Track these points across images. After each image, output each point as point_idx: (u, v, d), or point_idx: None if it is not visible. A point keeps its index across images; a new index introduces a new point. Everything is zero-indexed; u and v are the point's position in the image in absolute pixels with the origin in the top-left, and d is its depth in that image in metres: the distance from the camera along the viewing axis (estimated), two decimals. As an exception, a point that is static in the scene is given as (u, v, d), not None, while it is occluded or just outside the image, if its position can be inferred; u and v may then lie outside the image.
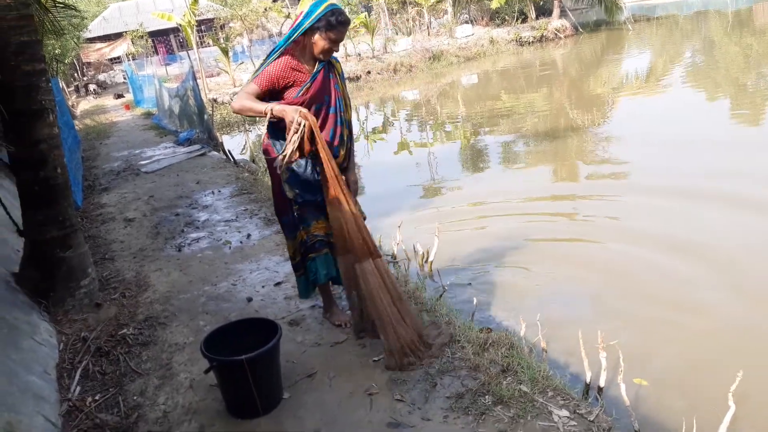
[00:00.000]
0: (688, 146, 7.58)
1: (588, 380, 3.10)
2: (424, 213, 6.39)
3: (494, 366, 2.78)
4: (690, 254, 4.66)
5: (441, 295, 3.89)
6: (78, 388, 3.08)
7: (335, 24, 2.77)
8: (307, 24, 2.76)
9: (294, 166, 2.93)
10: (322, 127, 2.90)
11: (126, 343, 3.49)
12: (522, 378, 2.66)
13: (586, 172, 7.55)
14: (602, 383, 3.06)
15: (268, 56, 2.90)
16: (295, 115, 2.59)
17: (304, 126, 2.58)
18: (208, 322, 3.62)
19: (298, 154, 2.64)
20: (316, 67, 2.90)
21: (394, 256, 5.13)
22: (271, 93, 2.82)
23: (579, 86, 14.93)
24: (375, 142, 12.21)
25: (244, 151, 13.54)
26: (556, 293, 4.25)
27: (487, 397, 2.57)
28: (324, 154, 2.74)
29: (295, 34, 2.80)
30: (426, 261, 4.95)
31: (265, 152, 3.08)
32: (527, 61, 22.09)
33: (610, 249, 5.00)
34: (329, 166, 2.78)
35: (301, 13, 2.83)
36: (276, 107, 2.65)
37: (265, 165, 3.09)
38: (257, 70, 2.89)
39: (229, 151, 9.32)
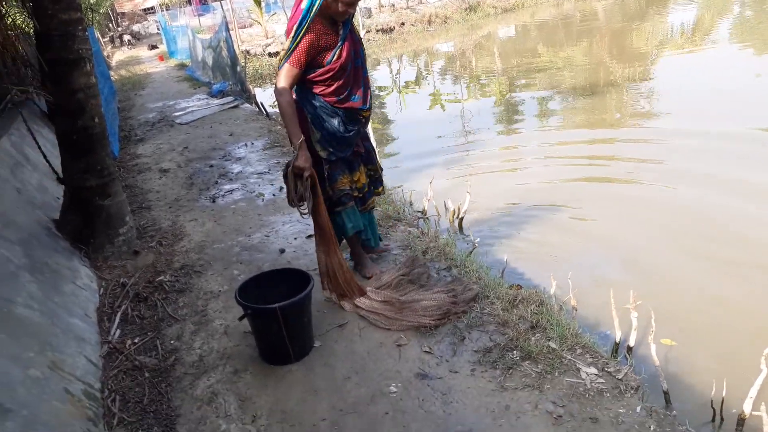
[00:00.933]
0: (733, 97, 7.30)
1: (617, 339, 3.09)
2: (457, 168, 6.33)
3: (523, 322, 2.79)
4: (738, 203, 4.54)
5: (471, 252, 3.88)
6: (118, 332, 3.20)
7: None
8: None
9: (327, 125, 2.94)
10: (355, 83, 3.00)
11: (163, 289, 3.60)
12: (551, 335, 2.67)
13: (623, 126, 7.32)
14: (632, 343, 3.04)
15: (299, 27, 2.75)
16: (306, 173, 2.84)
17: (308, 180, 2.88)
18: (242, 272, 3.70)
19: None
20: (341, 29, 2.87)
21: (424, 212, 5.12)
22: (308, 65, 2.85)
23: (621, 40, 14.36)
24: (407, 95, 12.03)
25: (275, 104, 13.55)
26: (590, 250, 4.20)
27: (515, 352, 2.58)
28: (322, 207, 2.97)
29: (317, 2, 2.71)
30: (457, 217, 4.93)
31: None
32: (567, 12, 21.28)
33: (651, 198, 4.89)
34: (324, 218, 2.97)
35: None
36: (299, 161, 2.81)
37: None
38: (290, 47, 2.78)
39: (261, 103, 9.32)
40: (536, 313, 2.83)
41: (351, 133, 3.02)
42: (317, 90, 2.91)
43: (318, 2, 2.70)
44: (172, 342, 3.07)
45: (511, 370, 2.48)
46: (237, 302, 2.63)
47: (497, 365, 2.52)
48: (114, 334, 3.18)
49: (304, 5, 2.73)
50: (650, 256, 4.08)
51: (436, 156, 6.86)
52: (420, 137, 8.00)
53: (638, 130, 7.00)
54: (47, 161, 4.10)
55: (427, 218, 5.06)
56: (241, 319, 2.67)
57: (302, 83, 2.90)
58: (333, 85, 2.89)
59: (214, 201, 5.12)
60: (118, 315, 3.35)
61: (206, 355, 2.91)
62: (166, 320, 3.29)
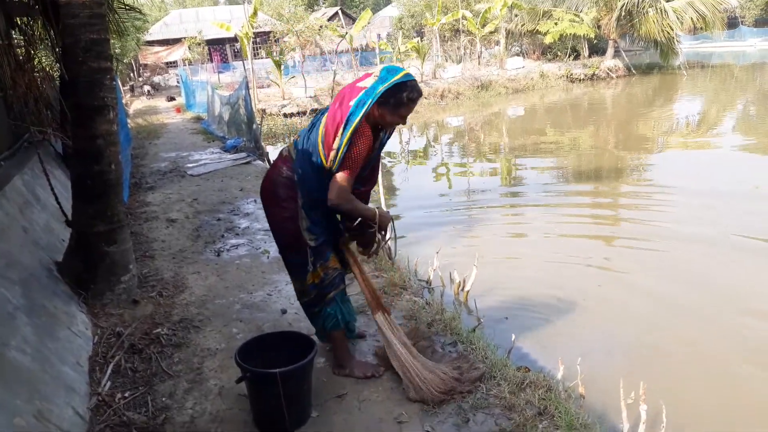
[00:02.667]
0: (732, 197, 7.36)
1: (625, 431, 2.97)
2: (463, 241, 6.31)
3: (530, 407, 2.68)
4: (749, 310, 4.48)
5: (475, 328, 3.80)
6: (108, 383, 3.09)
7: (406, 102, 2.60)
8: (381, 90, 2.57)
9: (320, 211, 2.81)
10: (373, 172, 2.98)
11: (159, 342, 3.51)
12: (559, 423, 2.56)
13: (627, 215, 7.37)
14: (640, 436, 2.93)
15: (345, 126, 2.59)
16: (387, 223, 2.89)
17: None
18: (241, 330, 3.61)
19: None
20: (382, 135, 2.83)
21: (428, 282, 5.07)
22: None
23: (627, 128, 14.68)
24: (415, 165, 12.19)
25: (286, 163, 13.70)
26: (598, 334, 4.11)
27: (521, 439, 2.47)
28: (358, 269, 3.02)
29: (369, 103, 2.57)
30: (462, 289, 4.87)
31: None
32: (576, 97, 21.90)
33: (657, 292, 4.82)
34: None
35: (371, 75, 2.66)
36: (381, 214, 2.83)
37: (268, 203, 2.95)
38: (341, 149, 2.60)
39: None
40: (544, 399, 2.73)
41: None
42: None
43: (369, 104, 2.57)
44: (163, 399, 2.95)
45: (516, 460, 2.37)
46: (236, 364, 2.55)
47: (502, 453, 2.41)
48: (104, 385, 3.06)
49: (352, 102, 2.59)
50: (660, 345, 3.99)
51: (442, 226, 6.86)
52: (426, 207, 8.02)
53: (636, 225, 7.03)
54: (58, 203, 4.10)
55: (432, 288, 5.00)
56: (238, 381, 2.58)
57: (316, 170, 2.73)
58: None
59: (218, 255, 5.08)
60: (111, 366, 3.24)
61: (198, 416, 2.79)
62: (160, 375, 3.18)
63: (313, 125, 2.80)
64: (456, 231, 6.70)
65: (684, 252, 5.69)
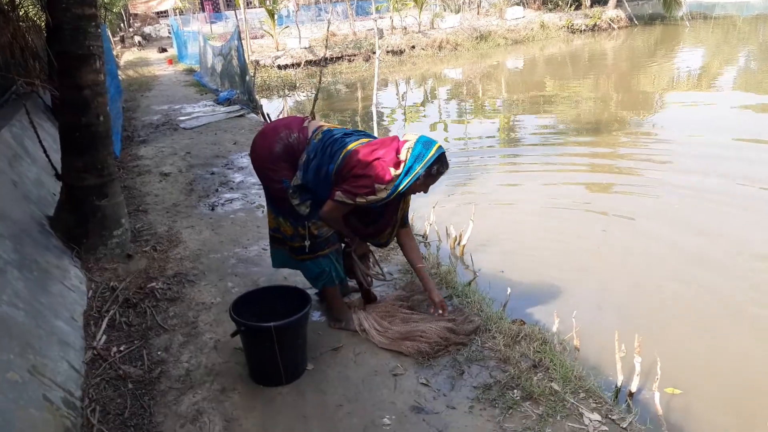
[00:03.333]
0: (735, 148, 7.30)
1: (619, 384, 2.99)
2: (460, 194, 6.26)
3: (525, 360, 2.69)
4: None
5: (471, 281, 3.80)
6: (104, 337, 3.08)
7: (435, 174, 2.69)
8: (419, 170, 2.61)
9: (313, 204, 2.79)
10: (381, 218, 2.93)
11: (154, 296, 3.49)
12: (553, 375, 2.57)
13: (625, 165, 7.29)
14: (633, 388, 2.96)
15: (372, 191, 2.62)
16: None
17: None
18: (237, 285, 3.59)
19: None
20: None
21: (425, 236, 5.04)
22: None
23: (627, 80, 14.45)
24: (412, 119, 12.03)
25: (281, 115, 13.51)
26: (596, 285, 4.11)
27: (515, 391, 2.48)
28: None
29: (407, 182, 2.62)
30: (458, 243, 4.85)
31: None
32: (577, 49, 21.48)
33: (657, 245, 4.81)
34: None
35: (407, 148, 2.63)
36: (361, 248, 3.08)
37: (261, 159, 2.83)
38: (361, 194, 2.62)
39: (267, 114, 9.28)
40: (539, 352, 2.74)
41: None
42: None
43: (409, 181, 2.62)
44: (159, 353, 2.95)
45: (510, 410, 2.38)
46: (231, 318, 2.53)
47: (497, 404, 2.42)
48: (99, 339, 3.06)
49: (407, 158, 2.61)
50: (658, 297, 3.99)
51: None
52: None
53: (637, 175, 6.97)
54: (47, 156, 4.01)
55: (428, 243, 4.98)
56: (233, 335, 2.57)
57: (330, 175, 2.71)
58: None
59: (213, 209, 5.03)
60: (105, 320, 3.23)
61: (194, 369, 2.79)
62: (155, 329, 3.17)
63: (349, 135, 2.78)
64: (453, 184, 6.64)
65: (688, 200, 5.67)
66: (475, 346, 2.81)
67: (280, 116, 13.24)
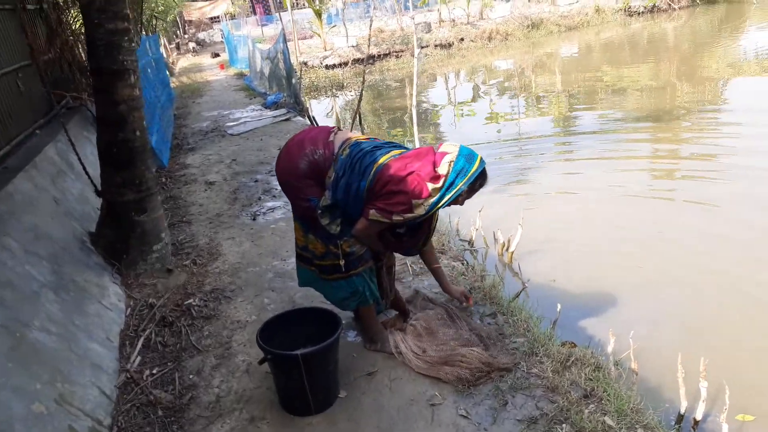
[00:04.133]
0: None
1: (682, 411, 2.72)
2: (510, 196, 5.98)
3: (575, 389, 2.45)
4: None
5: (519, 294, 3.56)
6: (138, 359, 3.04)
7: (477, 188, 2.55)
8: (461, 185, 2.44)
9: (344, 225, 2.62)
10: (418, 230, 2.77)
11: (190, 314, 3.44)
12: (607, 408, 2.32)
13: (689, 156, 6.80)
14: (699, 416, 2.67)
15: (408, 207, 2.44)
16: None
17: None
18: (273, 301, 3.49)
19: None
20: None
21: (471, 243, 4.82)
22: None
23: (691, 63, 13.62)
24: (462, 114, 11.73)
25: (329, 115, 13.48)
26: (655, 302, 3.77)
27: (564, 426, 2.25)
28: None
29: (448, 197, 2.44)
30: (506, 250, 4.60)
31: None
32: (635, 32, 20.51)
33: (724, 243, 4.41)
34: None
35: (448, 162, 2.43)
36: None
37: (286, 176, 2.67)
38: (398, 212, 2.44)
39: (313, 117, 9.22)
40: (591, 379, 2.49)
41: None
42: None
43: (451, 196, 2.45)
44: (191, 377, 2.87)
45: (559, 449, 2.16)
46: (258, 345, 2.40)
47: (543, 441, 2.20)
48: (134, 362, 3.02)
49: (448, 173, 2.42)
50: (725, 312, 3.64)
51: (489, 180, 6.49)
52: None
53: (704, 162, 6.46)
54: (86, 172, 4.04)
55: (474, 250, 4.75)
56: (261, 363, 2.45)
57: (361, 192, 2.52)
58: None
59: (254, 219, 4.97)
60: (141, 340, 3.19)
61: (224, 396, 2.69)
62: (189, 350, 3.11)
63: (379, 147, 2.61)
64: (504, 184, 6.35)
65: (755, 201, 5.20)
66: (521, 372, 2.59)
67: (329, 116, 13.22)
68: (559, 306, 3.15)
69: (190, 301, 3.60)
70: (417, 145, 5.65)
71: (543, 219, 5.11)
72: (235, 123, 9.43)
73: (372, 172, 2.46)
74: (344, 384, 2.65)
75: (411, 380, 2.63)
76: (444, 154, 2.46)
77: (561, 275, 4.17)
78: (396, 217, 2.43)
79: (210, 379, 2.83)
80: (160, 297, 3.67)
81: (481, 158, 2.49)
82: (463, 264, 3.87)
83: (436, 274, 3.03)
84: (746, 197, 5.24)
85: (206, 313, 3.45)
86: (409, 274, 3.63)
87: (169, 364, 3.02)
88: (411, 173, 2.41)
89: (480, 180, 2.49)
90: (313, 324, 2.63)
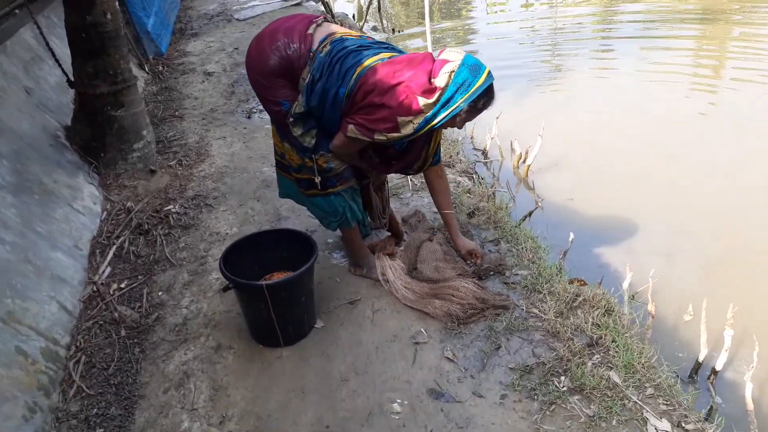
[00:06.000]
0: None
1: (701, 358, 2.43)
2: (534, 102, 5.42)
3: (580, 336, 2.15)
4: None
5: (529, 215, 3.21)
6: (107, 270, 2.80)
7: (480, 109, 2.09)
8: (461, 102, 2.00)
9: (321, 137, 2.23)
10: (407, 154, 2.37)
11: (168, 223, 3.16)
12: (614, 361, 2.03)
13: (733, 68, 6.09)
14: (719, 366, 2.38)
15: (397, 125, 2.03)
16: None
17: None
18: (257, 212, 3.19)
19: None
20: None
21: (485, 152, 4.41)
22: None
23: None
24: (495, 8, 10.75)
25: (350, 0, 12.53)
26: (678, 234, 3.38)
27: (562, 378, 1.98)
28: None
29: (444, 115, 2.01)
30: (523, 162, 4.19)
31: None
32: None
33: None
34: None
35: (448, 72, 1.97)
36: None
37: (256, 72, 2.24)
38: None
39: (327, 2, 8.47)
40: (599, 325, 2.18)
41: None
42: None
43: (455, 112, 2.03)
44: (160, 294, 2.64)
45: (553, 406, 1.89)
46: (221, 272, 2.12)
47: (536, 395, 1.93)
48: (102, 273, 2.78)
49: (447, 85, 1.98)
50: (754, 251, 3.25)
51: (512, 82, 5.92)
52: (494, 54, 6.94)
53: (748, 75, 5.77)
54: (56, 60, 3.62)
55: (488, 160, 4.35)
56: (224, 290, 2.17)
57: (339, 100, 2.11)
58: None
59: (249, 116, 4.57)
60: (112, 249, 2.94)
61: (192, 317, 2.46)
62: (162, 263, 2.86)
63: (367, 47, 2.14)
64: (529, 87, 5.78)
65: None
66: (519, 311, 2.29)
67: (350, 1, 12.28)
68: (571, 235, 2.78)
69: (170, 207, 3.32)
70: (429, 42, 5.06)
71: (566, 130, 4.62)
72: (242, 7, 8.73)
73: (353, 77, 2.04)
74: (323, 312, 2.39)
75: (396, 313, 2.36)
76: (444, 62, 2.01)
77: (579, 194, 3.78)
78: (378, 136, 2.04)
79: (180, 298, 2.60)
80: (140, 201, 3.39)
81: (489, 71, 2.03)
82: (472, 179, 3.50)
83: (446, 219, 2.58)
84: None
85: (185, 221, 3.18)
86: (408, 189, 3.27)
87: (139, 277, 2.78)
88: (400, 83, 1.98)
89: (484, 98, 2.05)
90: (287, 247, 2.34)
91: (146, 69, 5.76)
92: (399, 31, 8.60)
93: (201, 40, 7.11)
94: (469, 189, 3.26)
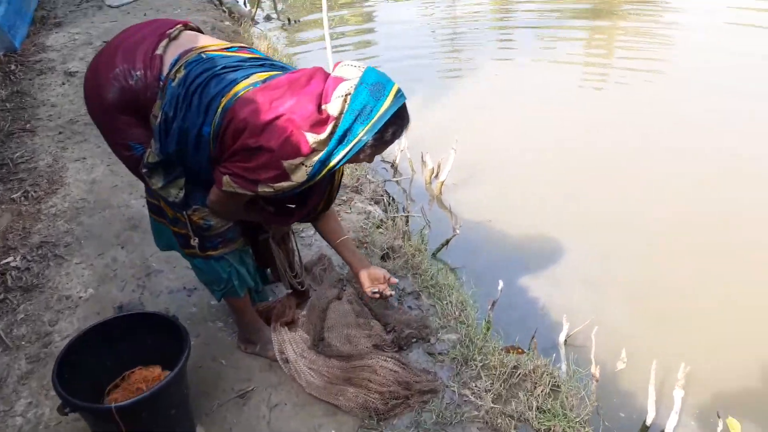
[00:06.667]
0: None
1: (648, 421, 2.15)
2: (443, 108, 5.02)
3: (525, 429, 1.78)
4: None
5: (447, 242, 2.85)
6: None
7: (389, 140, 1.59)
8: (363, 135, 1.51)
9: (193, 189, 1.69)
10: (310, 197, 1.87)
11: (4, 284, 2.48)
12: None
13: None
14: (669, 428, 2.12)
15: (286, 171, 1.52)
16: None
17: None
18: (121, 265, 2.57)
19: None
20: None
21: (394, 165, 4.00)
22: None
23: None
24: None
25: None
26: (607, 255, 3.13)
27: (508, 492, 1.60)
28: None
29: (343, 153, 1.54)
30: (435, 176, 3.83)
31: None
32: None
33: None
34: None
35: (341, 95, 1.49)
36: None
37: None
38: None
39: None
40: (545, 412, 1.82)
41: None
42: None
43: (357, 148, 1.55)
44: (-14, 396, 2.00)
45: None
46: (55, 389, 1.54)
47: None
48: None
49: (342, 114, 1.51)
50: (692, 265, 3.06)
51: (417, 84, 5.51)
52: (395, 52, 6.50)
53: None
54: None
55: (398, 174, 3.95)
56: (61, 412, 1.59)
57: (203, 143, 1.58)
58: None
59: (118, 130, 3.86)
60: None
61: (29, 431, 1.86)
62: (-7, 344, 2.20)
63: (237, 67, 1.60)
64: (435, 91, 5.40)
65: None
66: (450, 393, 1.89)
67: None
68: (500, 284, 2.39)
69: (9, 259, 2.62)
70: (326, 31, 4.50)
71: (480, 138, 4.30)
72: (116, -10, 7.73)
73: (218, 111, 1.51)
74: (204, 413, 1.87)
75: (299, 408, 1.88)
76: (338, 81, 1.51)
77: (497, 212, 3.47)
78: (263, 188, 1.54)
79: (13, 401, 1.97)
80: (-31, 251, 2.67)
81: (398, 91, 1.54)
82: (383, 204, 3.07)
83: (342, 249, 2.03)
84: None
85: (27, 281, 2.50)
86: (309, 226, 2.78)
87: (-40, 366, 2.11)
88: (279, 117, 1.47)
89: (393, 126, 1.55)
90: (150, 334, 1.79)
91: (-7, 68, 4.83)
92: (296, 21, 7.96)
93: (65, 32, 6.13)
94: (381, 221, 2.82)
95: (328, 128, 1.49)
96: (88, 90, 1.66)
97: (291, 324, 2.10)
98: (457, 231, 3.05)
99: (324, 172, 1.56)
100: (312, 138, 1.48)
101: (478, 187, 3.76)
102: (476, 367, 1.95)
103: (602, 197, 3.62)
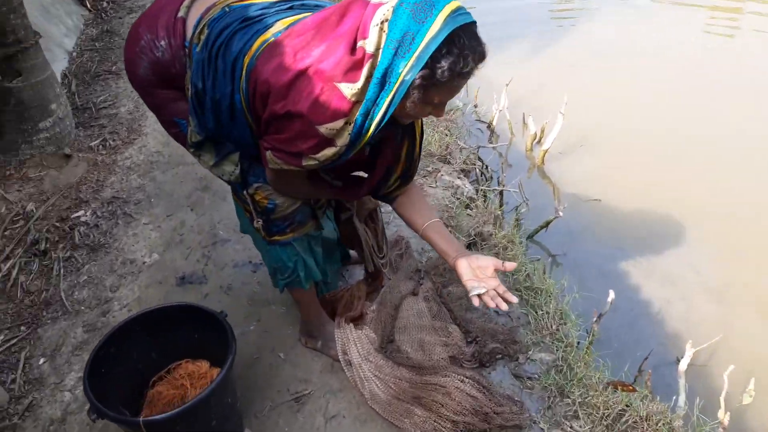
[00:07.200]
0: None
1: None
2: (551, 61, 4.48)
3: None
4: None
5: (547, 224, 2.46)
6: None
7: (453, 77, 1.13)
8: (406, 73, 1.10)
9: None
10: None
11: (72, 240, 2.39)
12: None
13: None
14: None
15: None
16: None
17: None
18: (188, 230, 2.42)
19: None
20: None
21: (490, 127, 3.59)
22: None
23: None
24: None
25: None
26: (748, 267, 2.62)
27: None
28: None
29: (386, 104, 1.14)
30: (538, 142, 3.39)
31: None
32: None
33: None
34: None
35: (377, 24, 1.09)
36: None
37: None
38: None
39: None
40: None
41: None
42: None
43: (400, 94, 1.13)
44: (41, 362, 1.92)
45: None
46: (86, 394, 1.38)
47: None
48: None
49: (379, 51, 1.11)
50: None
51: (525, 26, 4.95)
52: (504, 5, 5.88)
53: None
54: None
55: (495, 136, 3.54)
56: (91, 417, 1.43)
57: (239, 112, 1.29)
58: None
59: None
60: (-9, 284, 2.20)
61: (75, 411, 1.75)
62: (54, 306, 2.12)
63: (257, 18, 1.26)
64: (543, 43, 4.82)
65: None
66: (537, 431, 1.57)
67: None
68: (611, 295, 1.99)
69: (80, 213, 2.54)
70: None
71: (591, 100, 3.76)
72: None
73: (243, 74, 1.21)
74: (254, 416, 1.67)
75: (360, 422, 1.64)
76: (377, 7, 1.12)
77: (607, 191, 3.00)
78: (308, 162, 1.23)
79: (64, 372, 1.87)
80: (45, 200, 2.61)
81: (457, 7, 1.10)
82: (473, 178, 2.72)
83: (433, 233, 1.51)
84: None
85: (94, 239, 2.41)
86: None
87: (22, 328, 2.05)
88: (304, 71, 1.14)
89: (449, 57, 1.10)
90: (195, 326, 1.59)
91: (87, 5, 4.79)
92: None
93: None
94: (471, 198, 2.47)
95: (365, 70, 1.11)
96: (125, 66, 1.42)
97: (358, 319, 1.85)
98: (560, 213, 2.65)
99: (372, 129, 1.18)
100: (348, 89, 1.13)
101: (586, 159, 3.29)
102: (574, 402, 1.61)
103: (739, 186, 3.04)
